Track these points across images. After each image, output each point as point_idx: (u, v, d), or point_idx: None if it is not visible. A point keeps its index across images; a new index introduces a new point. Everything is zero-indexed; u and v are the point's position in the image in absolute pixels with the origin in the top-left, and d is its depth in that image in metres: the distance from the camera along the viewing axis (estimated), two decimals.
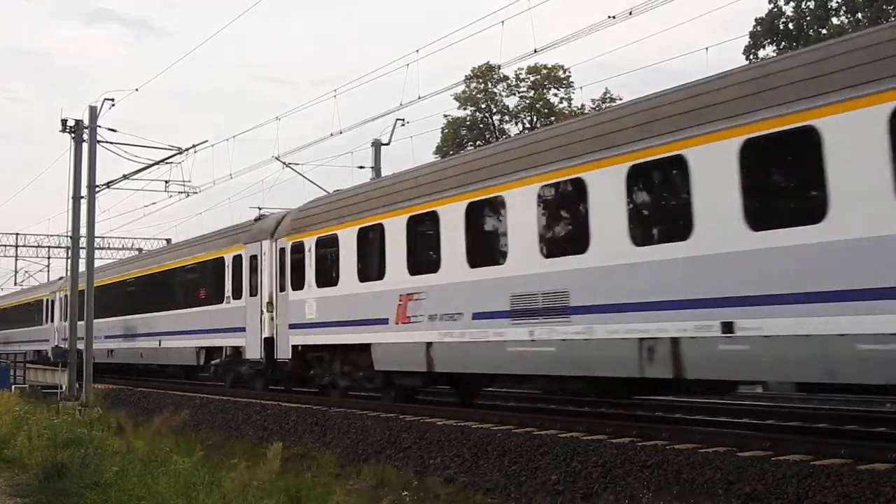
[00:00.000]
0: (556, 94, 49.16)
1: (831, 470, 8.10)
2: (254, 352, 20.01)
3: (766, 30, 38.34)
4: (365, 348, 16.02)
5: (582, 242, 11.57)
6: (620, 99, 44.24)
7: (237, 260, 21.29)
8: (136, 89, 25.81)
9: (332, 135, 25.05)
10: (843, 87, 8.77)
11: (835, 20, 37.20)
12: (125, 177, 26.73)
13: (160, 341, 26.07)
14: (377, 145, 30.46)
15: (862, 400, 14.48)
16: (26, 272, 59.04)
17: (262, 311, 19.58)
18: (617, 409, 15.05)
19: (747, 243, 9.47)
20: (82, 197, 25.26)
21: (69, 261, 27.33)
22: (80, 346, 24.89)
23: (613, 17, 17.02)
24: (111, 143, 25.01)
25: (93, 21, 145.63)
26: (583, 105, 46.79)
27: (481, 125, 49.82)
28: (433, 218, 14.44)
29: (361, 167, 30.64)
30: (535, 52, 19.58)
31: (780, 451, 9.21)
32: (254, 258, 20.39)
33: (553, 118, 47.47)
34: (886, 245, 8.28)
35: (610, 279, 11.13)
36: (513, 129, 49.91)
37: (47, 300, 39.35)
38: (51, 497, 10.60)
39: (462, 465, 11.12)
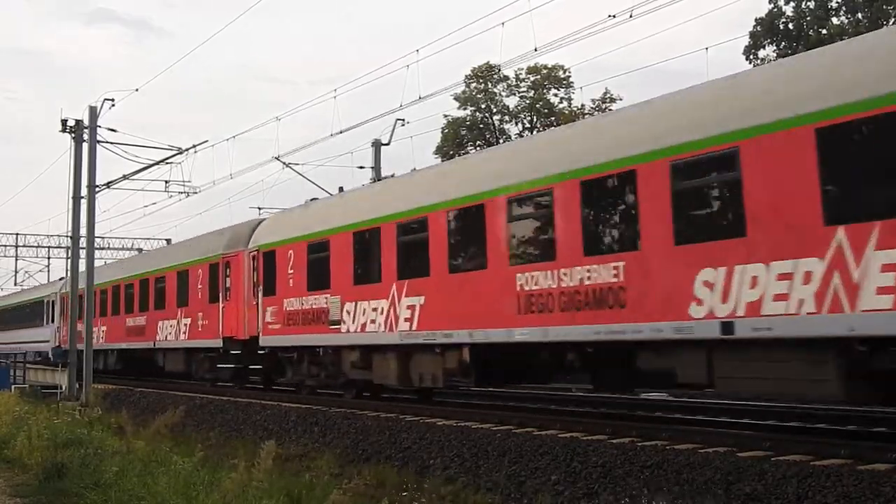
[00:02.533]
0: (556, 95, 49.16)
1: (831, 470, 8.10)
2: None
3: (766, 30, 38.32)
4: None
5: None
6: (621, 99, 44.31)
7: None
8: (137, 89, 25.88)
9: (332, 135, 25.05)
10: None
11: (835, 20, 37.19)
12: (125, 177, 26.74)
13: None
14: (377, 145, 30.46)
15: None
16: (26, 272, 59.06)
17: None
18: (617, 409, 15.06)
19: None
20: (82, 197, 25.26)
21: (69, 261, 27.30)
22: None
23: (613, 17, 16.99)
24: (111, 143, 25.06)
25: (93, 21, 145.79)
26: (583, 105, 46.79)
27: (481, 125, 49.79)
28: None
29: (361, 167, 30.68)
30: (536, 50, 19.54)
31: (780, 451, 9.22)
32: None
33: (553, 118, 47.48)
34: None
35: None
36: (513, 129, 49.91)
37: None
38: (51, 497, 10.60)
39: (462, 465, 11.11)
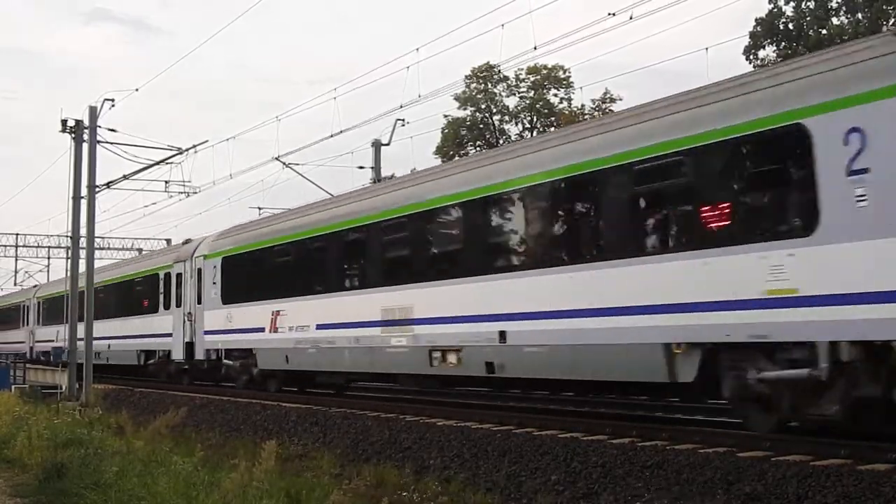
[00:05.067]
0: (556, 95, 49.20)
1: (831, 470, 8.10)
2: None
3: (766, 30, 38.35)
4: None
5: None
6: (621, 99, 44.36)
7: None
8: (136, 89, 25.86)
9: (332, 135, 25.07)
10: None
11: (835, 20, 37.21)
12: (125, 177, 26.71)
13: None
14: (377, 145, 30.48)
15: None
16: (26, 272, 59.05)
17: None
18: (617, 409, 15.05)
19: None
20: (82, 197, 25.23)
21: (69, 261, 27.28)
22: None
23: (613, 14, 17.01)
24: (111, 143, 25.02)
25: (91, 20, 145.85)
26: (583, 105, 46.82)
27: (481, 125, 49.83)
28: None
29: (361, 167, 30.73)
30: (535, 49, 19.57)
31: (780, 451, 9.22)
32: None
33: (553, 118, 47.50)
34: None
35: None
36: (513, 129, 49.93)
37: None
38: (51, 497, 10.59)
39: (462, 465, 11.11)
